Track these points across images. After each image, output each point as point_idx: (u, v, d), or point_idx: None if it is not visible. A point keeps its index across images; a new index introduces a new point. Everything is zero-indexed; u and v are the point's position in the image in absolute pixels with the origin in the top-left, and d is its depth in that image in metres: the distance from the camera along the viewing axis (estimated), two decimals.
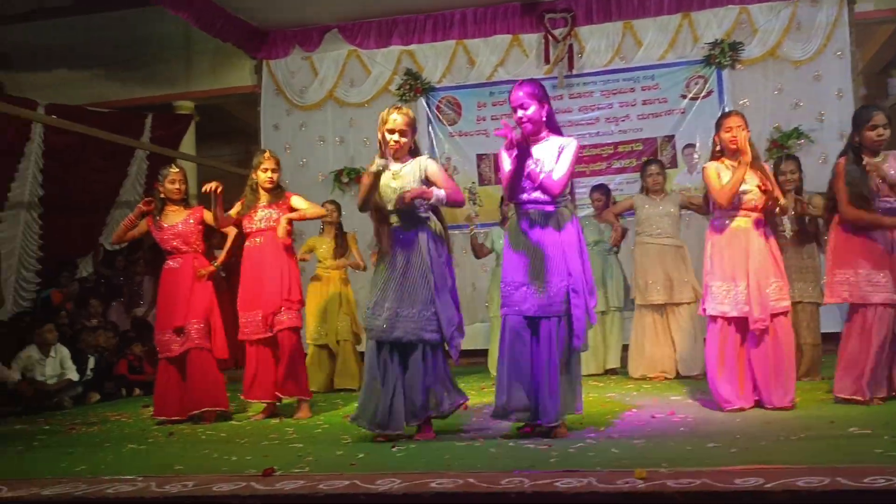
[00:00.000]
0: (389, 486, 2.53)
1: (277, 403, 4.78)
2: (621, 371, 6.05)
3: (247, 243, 4.77)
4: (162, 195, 4.86)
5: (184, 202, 4.95)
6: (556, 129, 3.65)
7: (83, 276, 8.27)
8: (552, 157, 3.53)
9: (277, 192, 4.78)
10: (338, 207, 6.37)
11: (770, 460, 2.65)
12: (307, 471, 2.92)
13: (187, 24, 7.93)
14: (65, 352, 6.14)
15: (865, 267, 3.93)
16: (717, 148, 4.14)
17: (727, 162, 4.07)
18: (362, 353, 4.57)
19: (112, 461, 3.38)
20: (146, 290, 8.55)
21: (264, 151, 4.88)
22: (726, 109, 7.62)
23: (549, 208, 3.55)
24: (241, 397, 4.80)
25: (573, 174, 3.62)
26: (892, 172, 3.93)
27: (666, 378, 5.53)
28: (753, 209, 4.02)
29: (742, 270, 3.97)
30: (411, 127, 3.70)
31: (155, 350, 6.67)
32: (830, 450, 2.87)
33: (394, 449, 3.34)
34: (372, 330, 3.63)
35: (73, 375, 6.11)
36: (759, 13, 7.69)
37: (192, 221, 4.83)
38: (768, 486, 2.29)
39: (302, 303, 4.80)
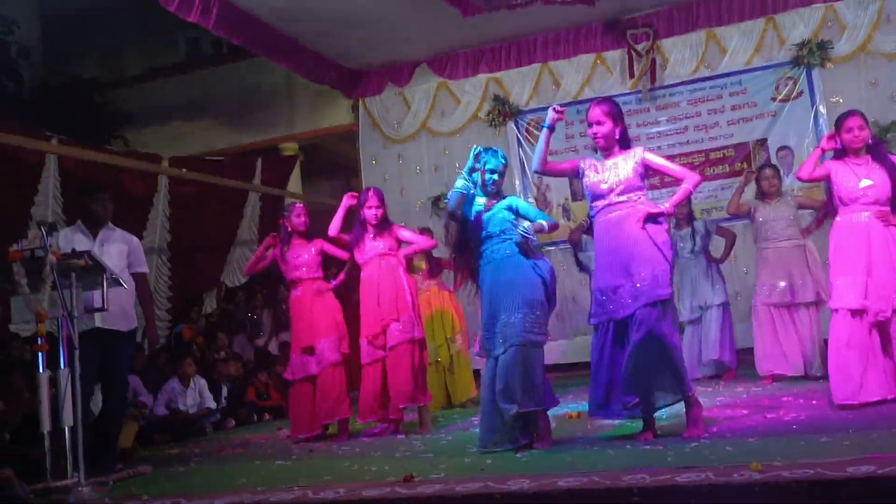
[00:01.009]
0: (520, 486, 2.81)
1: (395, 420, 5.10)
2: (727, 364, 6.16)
3: (362, 274, 5.18)
4: (289, 229, 5.34)
5: (307, 235, 5.40)
6: (626, 147, 3.92)
7: (208, 312, 8.93)
8: (625, 170, 3.80)
9: (384, 225, 5.18)
10: (430, 232, 6.78)
11: (882, 450, 2.76)
12: (442, 476, 3.22)
13: (288, 71, 8.55)
14: (203, 383, 6.70)
15: None
16: (841, 146, 4.28)
17: (850, 161, 4.22)
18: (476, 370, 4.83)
19: (266, 475, 3.78)
20: (265, 321, 9.16)
21: (368, 189, 5.31)
22: (820, 109, 7.61)
23: None
24: (359, 420, 5.14)
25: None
26: None
27: (792, 377, 5.57)
28: (874, 202, 4.13)
29: (863, 264, 4.08)
30: (612, 116, 3.92)
31: (279, 376, 7.23)
32: None
33: (518, 455, 3.61)
34: None
35: (212, 404, 6.66)
36: (846, 9, 7.62)
37: (313, 251, 5.33)
38: (880, 472, 2.44)
39: (416, 314, 5.12)
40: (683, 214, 6.30)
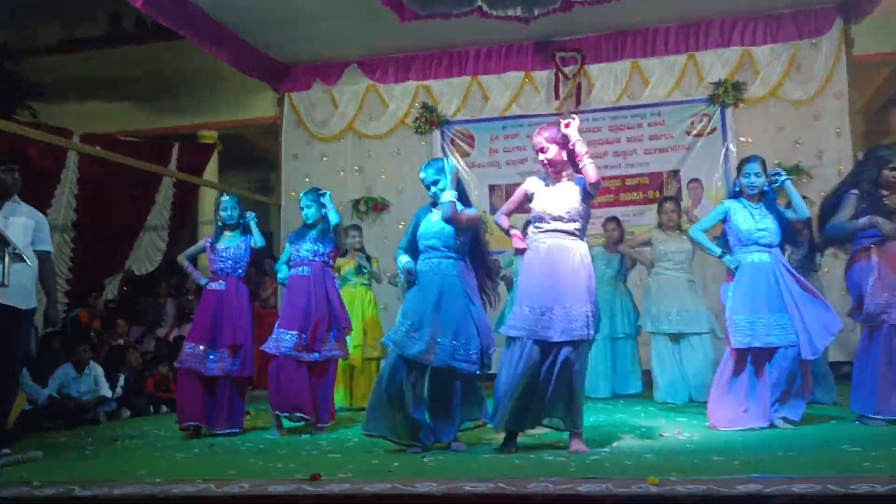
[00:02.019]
0: (428, 489, 2.84)
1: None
2: (641, 397, 6.33)
3: (292, 272, 5.14)
4: (218, 222, 5.27)
5: (238, 227, 5.29)
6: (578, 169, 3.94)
7: (109, 299, 8.59)
8: (569, 197, 3.87)
9: (324, 229, 5.17)
10: (360, 231, 6.76)
11: (769, 471, 2.94)
12: (350, 476, 3.21)
13: (214, 58, 8.35)
14: (98, 370, 6.44)
15: None
16: (737, 188, 4.54)
17: (745, 202, 4.48)
18: None
19: (167, 468, 3.67)
20: (168, 312, 8.90)
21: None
22: (731, 147, 8.00)
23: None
24: (277, 412, 5.05)
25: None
26: None
27: (686, 402, 5.78)
28: (769, 245, 4.38)
29: (763, 303, 4.32)
30: (556, 142, 3.93)
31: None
32: (823, 463, 3.16)
33: (425, 459, 3.64)
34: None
35: (107, 392, 6.41)
36: (761, 55, 8.06)
37: (243, 245, 5.23)
38: (767, 490, 2.60)
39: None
40: (615, 238, 6.49)
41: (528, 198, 4.01)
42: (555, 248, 3.85)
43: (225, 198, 5.36)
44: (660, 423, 4.76)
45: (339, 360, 5.99)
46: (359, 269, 6.51)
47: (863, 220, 4.30)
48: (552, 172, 3.94)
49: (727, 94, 8.03)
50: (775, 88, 8.02)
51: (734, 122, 8.07)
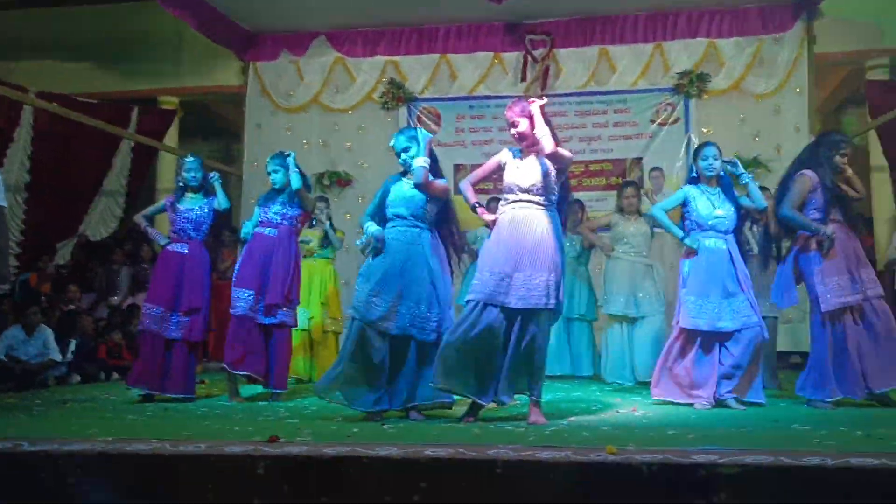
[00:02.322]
0: (388, 452, 2.83)
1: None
2: (595, 377, 6.40)
3: (257, 230, 5.10)
4: (180, 183, 5.20)
5: (202, 189, 5.20)
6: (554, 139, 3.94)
7: (61, 264, 8.39)
8: (539, 171, 3.89)
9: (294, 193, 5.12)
10: (327, 203, 6.71)
11: (722, 444, 3.00)
12: (309, 440, 3.19)
13: (178, 21, 8.14)
14: (48, 333, 6.29)
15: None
16: (694, 174, 4.60)
17: (703, 188, 4.53)
18: None
19: (119, 428, 3.60)
20: (122, 280, 8.71)
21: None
22: (693, 137, 8.11)
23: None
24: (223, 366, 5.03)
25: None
26: None
27: (635, 384, 5.89)
28: (725, 232, 4.46)
29: (716, 288, 4.39)
30: (527, 114, 3.93)
31: (133, 337, 6.91)
32: (775, 439, 3.24)
33: (384, 426, 3.64)
34: None
35: (57, 356, 6.27)
36: (726, 47, 8.18)
37: (206, 208, 5.14)
38: (721, 460, 2.65)
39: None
40: (578, 219, 6.54)
41: (500, 168, 4.02)
42: (520, 217, 3.86)
43: (189, 158, 5.27)
44: (615, 401, 4.84)
45: (300, 332, 5.99)
46: (323, 243, 6.46)
47: (823, 229, 4.37)
48: (523, 146, 3.95)
49: (692, 84, 8.13)
50: (738, 81, 8.15)
51: (697, 112, 8.19)
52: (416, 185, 4.00)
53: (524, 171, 3.90)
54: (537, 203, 3.87)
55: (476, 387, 3.85)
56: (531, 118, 3.88)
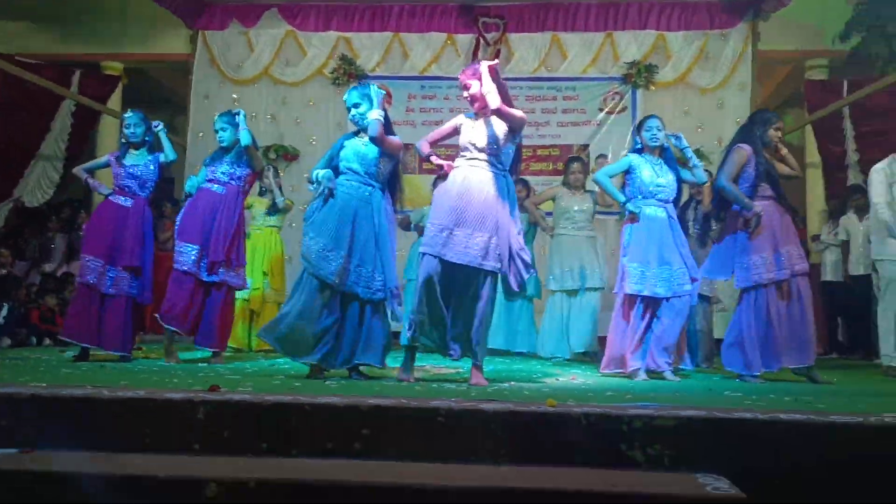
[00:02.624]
0: (330, 400, 2.83)
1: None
2: (531, 354, 6.48)
3: (204, 185, 5.04)
4: (122, 139, 5.09)
5: (146, 145, 5.09)
6: (507, 103, 3.98)
7: None
8: (496, 131, 3.92)
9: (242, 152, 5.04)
10: (275, 171, 6.66)
11: (658, 402, 3.08)
12: (250, 390, 3.16)
13: None
14: None
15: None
16: (639, 145, 4.71)
17: (647, 157, 4.63)
18: None
19: (54, 378, 3.51)
20: (57, 247, 8.46)
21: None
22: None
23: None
24: (157, 315, 4.98)
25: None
26: None
27: (573, 359, 6.01)
28: (665, 201, 4.57)
29: (654, 255, 4.49)
30: (478, 76, 3.96)
31: (66, 303, 6.72)
32: (709, 400, 3.35)
33: (327, 382, 3.63)
34: None
35: None
36: (674, 40, 8.37)
37: (152, 165, 5.02)
38: (658, 413, 2.73)
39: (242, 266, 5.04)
40: (521, 198, 6.58)
41: (456, 131, 4.05)
42: (472, 176, 3.89)
43: (129, 114, 5.16)
44: (555, 371, 4.91)
45: (241, 301, 5.91)
46: (269, 210, 6.39)
47: (754, 208, 4.51)
48: (476, 108, 3.98)
49: (640, 75, 8.30)
50: (684, 74, 8.35)
51: (644, 102, 8.36)
52: (372, 139, 3.99)
53: (478, 132, 3.94)
54: (490, 164, 3.91)
55: (439, 339, 3.92)
56: (481, 79, 3.92)
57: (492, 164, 3.91)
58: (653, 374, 4.53)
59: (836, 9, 8.15)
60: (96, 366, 4.38)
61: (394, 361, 4.22)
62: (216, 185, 4.95)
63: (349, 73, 8.55)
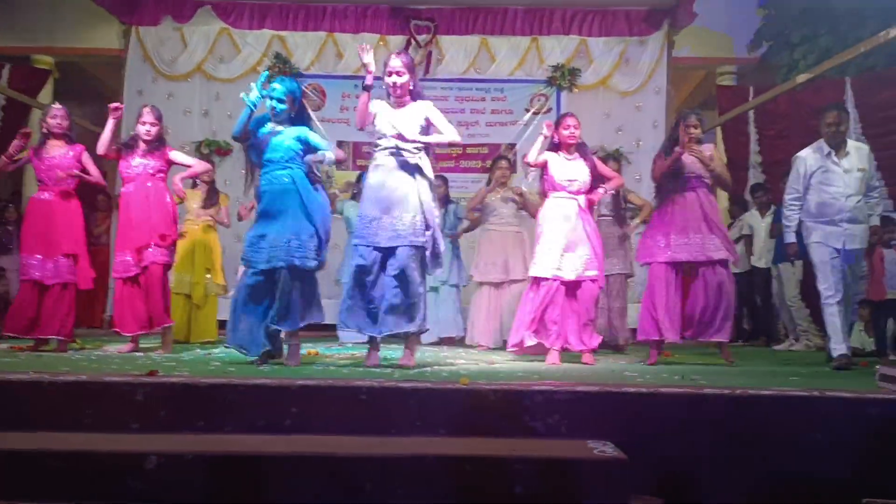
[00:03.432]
0: (262, 382, 3.10)
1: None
2: (458, 340, 6.82)
3: (123, 189, 5.13)
4: (44, 130, 5.14)
5: (66, 138, 5.22)
6: (417, 97, 4.33)
7: None
8: (413, 120, 4.23)
9: (156, 144, 5.16)
10: (212, 164, 6.84)
11: (555, 380, 3.44)
12: (186, 373, 3.39)
13: None
14: None
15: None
16: (556, 141, 5.05)
17: (562, 154, 5.00)
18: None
19: None
20: (15, 237, 8.37)
21: (144, 106, 5.26)
22: None
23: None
24: (115, 330, 5.11)
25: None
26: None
27: (493, 347, 6.35)
28: (577, 193, 4.95)
29: (562, 241, 4.88)
30: (410, 69, 4.27)
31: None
32: (609, 379, 3.73)
33: (261, 367, 3.88)
34: None
35: None
36: (595, 46, 8.81)
37: (70, 154, 5.16)
38: (556, 389, 3.08)
39: (173, 242, 5.17)
40: (441, 194, 6.89)
41: (372, 117, 4.30)
42: (391, 165, 4.21)
43: (56, 105, 5.30)
44: (480, 358, 5.25)
45: (181, 298, 6.10)
46: (205, 204, 6.54)
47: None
48: (397, 96, 4.27)
49: (564, 78, 8.72)
50: (605, 78, 8.80)
51: (568, 104, 8.73)
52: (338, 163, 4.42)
53: (396, 120, 4.22)
54: (410, 151, 4.22)
55: (370, 323, 4.20)
56: (411, 72, 4.22)
57: (410, 150, 4.22)
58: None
59: (744, 20, 8.73)
60: (34, 356, 4.52)
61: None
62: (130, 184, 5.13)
63: (283, 71, 8.68)
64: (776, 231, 6.84)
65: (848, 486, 2.84)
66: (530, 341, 4.88)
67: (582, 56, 8.81)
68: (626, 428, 2.94)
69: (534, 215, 6.32)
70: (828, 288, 4.80)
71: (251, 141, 4.37)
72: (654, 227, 5.12)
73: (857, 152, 4.95)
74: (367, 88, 4.21)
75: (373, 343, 4.29)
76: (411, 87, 4.30)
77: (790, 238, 5.09)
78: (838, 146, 4.91)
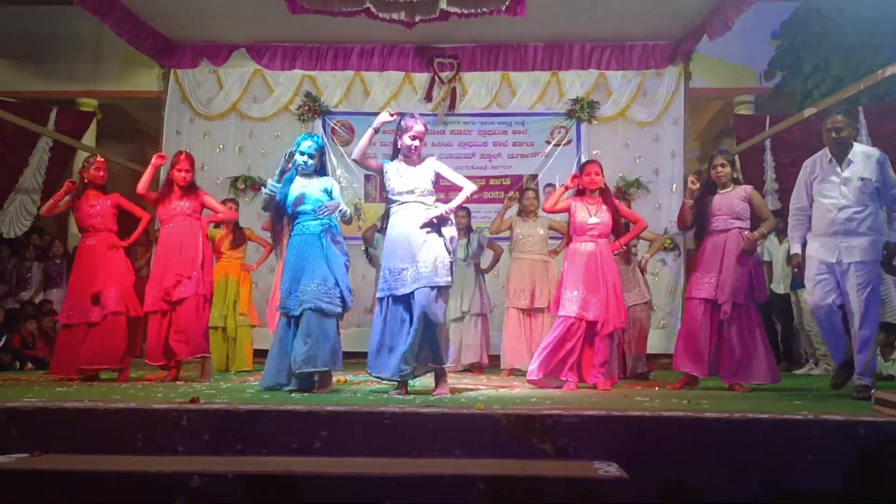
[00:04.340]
0: (294, 408, 3.38)
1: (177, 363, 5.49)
2: (483, 367, 7.09)
3: (163, 230, 5.50)
4: (86, 180, 5.55)
5: (103, 188, 5.67)
6: (421, 159, 4.68)
7: None
8: (426, 176, 4.56)
9: (191, 188, 5.56)
10: (236, 204, 7.21)
11: (568, 405, 3.67)
12: (225, 400, 3.69)
13: (99, 25, 8.42)
14: None
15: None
16: (580, 187, 5.34)
17: (586, 200, 5.29)
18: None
19: (49, 395, 4.00)
20: (34, 275, 8.86)
21: (181, 153, 5.66)
22: (582, 158, 8.93)
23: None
24: (147, 362, 5.46)
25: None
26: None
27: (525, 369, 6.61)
28: (599, 235, 5.21)
29: (585, 283, 5.13)
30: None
31: (46, 330, 7.18)
32: (618, 404, 3.94)
33: (292, 395, 4.17)
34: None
35: None
36: (614, 79, 9.09)
37: (108, 203, 5.63)
38: (564, 413, 3.32)
39: (206, 274, 5.54)
40: (463, 224, 7.19)
41: (379, 171, 4.65)
42: (409, 219, 4.50)
43: (99, 158, 5.75)
44: (501, 384, 5.48)
45: (218, 331, 6.47)
46: (234, 243, 6.91)
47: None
48: (415, 156, 4.59)
49: (583, 110, 8.99)
50: (624, 110, 9.05)
51: (588, 135, 9.04)
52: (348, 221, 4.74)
53: (410, 179, 4.55)
54: (422, 203, 4.52)
55: (396, 369, 4.44)
56: (423, 139, 4.56)
57: (423, 204, 4.54)
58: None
59: (759, 50, 8.94)
60: (83, 386, 4.86)
61: None
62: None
63: (314, 109, 9.12)
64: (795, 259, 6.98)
65: None
66: (557, 382, 5.13)
67: (601, 89, 9.09)
68: (630, 449, 3.17)
69: (564, 234, 6.54)
70: (813, 301, 4.73)
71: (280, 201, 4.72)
72: (693, 265, 5.41)
73: (865, 160, 4.61)
74: (376, 130, 4.54)
75: (401, 384, 4.53)
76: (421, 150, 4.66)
77: (794, 249, 4.90)
78: (841, 154, 4.65)
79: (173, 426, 3.28)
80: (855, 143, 4.72)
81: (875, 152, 4.68)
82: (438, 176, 4.61)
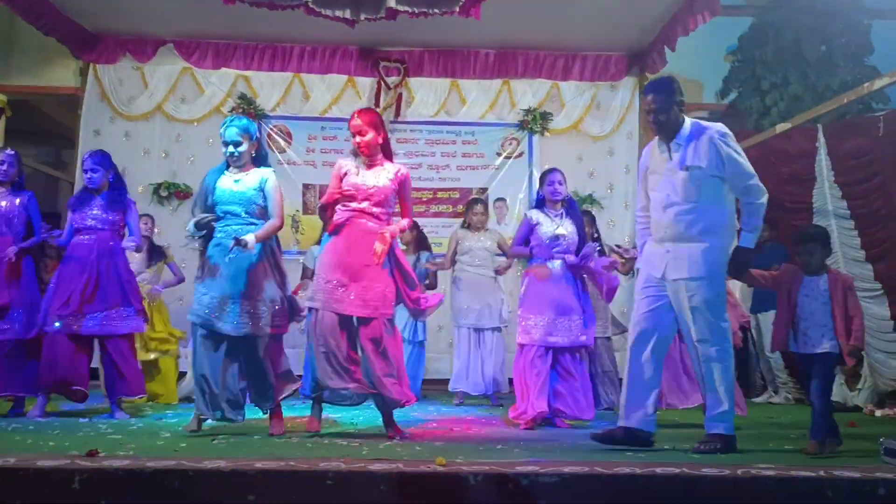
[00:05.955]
0: (216, 465, 2.77)
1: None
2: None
3: (75, 240, 4.83)
4: None
5: (12, 185, 4.98)
6: (389, 156, 4.10)
7: None
8: (384, 182, 3.98)
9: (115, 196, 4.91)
10: (152, 221, 6.57)
11: (542, 456, 3.16)
12: (132, 453, 3.05)
13: (11, 13, 7.64)
14: None
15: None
16: (541, 197, 4.85)
17: (547, 210, 4.77)
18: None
19: None
20: None
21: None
22: (534, 171, 8.52)
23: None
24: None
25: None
26: None
27: (476, 395, 6.19)
28: (564, 251, 4.71)
29: (550, 305, 4.61)
30: (374, 126, 4.08)
31: None
32: (590, 452, 3.46)
33: (214, 441, 3.54)
34: None
35: None
36: (567, 90, 8.71)
37: (17, 202, 4.94)
38: (542, 471, 2.80)
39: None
40: (410, 239, 6.63)
41: (340, 178, 4.05)
42: (357, 228, 3.94)
43: (8, 150, 5.03)
44: (451, 419, 4.95)
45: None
46: (149, 262, 6.22)
47: None
48: (366, 156, 4.02)
49: (535, 121, 8.58)
50: (577, 122, 8.68)
51: (540, 148, 8.62)
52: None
53: (366, 181, 3.98)
54: (376, 215, 3.96)
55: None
56: (376, 128, 3.97)
57: (376, 215, 3.98)
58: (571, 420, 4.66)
59: (715, 65, 8.70)
60: None
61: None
62: (88, 235, 4.82)
63: (248, 111, 8.43)
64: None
65: None
66: (533, 415, 4.54)
67: (553, 100, 8.70)
68: None
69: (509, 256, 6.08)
70: (633, 325, 3.74)
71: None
72: None
73: (696, 143, 3.56)
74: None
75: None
76: (381, 143, 4.08)
77: (638, 261, 3.97)
78: (667, 137, 3.66)
79: (62, 490, 2.63)
80: (688, 120, 3.70)
81: (710, 129, 3.62)
82: (399, 187, 4.11)
